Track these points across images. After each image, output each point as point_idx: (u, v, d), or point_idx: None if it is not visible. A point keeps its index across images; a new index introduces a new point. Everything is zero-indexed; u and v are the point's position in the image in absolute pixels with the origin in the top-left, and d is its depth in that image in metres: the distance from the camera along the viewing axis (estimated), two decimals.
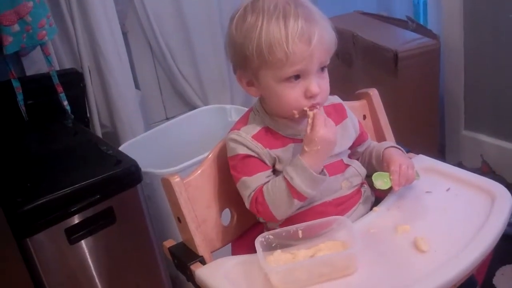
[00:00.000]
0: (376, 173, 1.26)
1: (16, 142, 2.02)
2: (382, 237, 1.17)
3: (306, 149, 1.14)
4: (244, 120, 1.28)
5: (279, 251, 1.14)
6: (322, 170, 1.16)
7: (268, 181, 1.20)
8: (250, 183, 1.21)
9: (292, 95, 1.17)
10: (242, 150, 1.21)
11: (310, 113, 1.15)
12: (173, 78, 2.91)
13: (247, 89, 1.24)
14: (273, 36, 1.11)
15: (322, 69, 1.19)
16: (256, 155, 1.21)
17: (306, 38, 1.12)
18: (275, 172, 1.23)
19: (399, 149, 1.33)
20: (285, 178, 1.16)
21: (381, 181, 1.24)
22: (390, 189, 1.24)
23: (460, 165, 2.63)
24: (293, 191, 1.15)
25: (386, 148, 1.32)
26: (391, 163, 1.25)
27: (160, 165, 1.93)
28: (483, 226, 1.15)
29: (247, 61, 1.17)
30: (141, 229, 1.80)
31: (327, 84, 1.21)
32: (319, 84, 1.17)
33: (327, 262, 1.09)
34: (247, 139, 1.22)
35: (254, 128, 1.24)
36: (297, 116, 1.19)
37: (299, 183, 1.14)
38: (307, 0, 1.18)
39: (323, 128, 1.14)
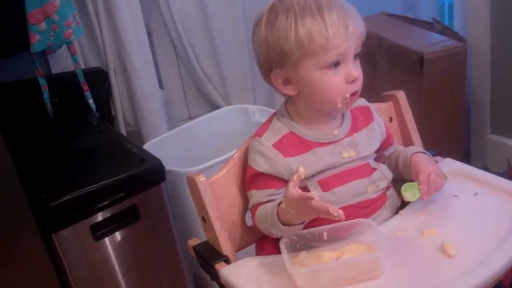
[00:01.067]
0: (404, 184, 1.24)
1: (42, 140, 2.04)
2: (408, 241, 1.16)
3: (283, 205, 1.13)
4: (267, 125, 1.28)
5: (304, 252, 1.13)
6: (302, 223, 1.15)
7: (267, 201, 1.23)
8: (253, 198, 1.25)
9: (335, 81, 1.17)
10: (257, 166, 1.23)
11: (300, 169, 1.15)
12: (197, 78, 2.92)
13: (283, 89, 1.23)
14: (311, 26, 1.12)
15: (355, 57, 1.19)
16: (271, 171, 1.22)
17: (343, 24, 1.13)
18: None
19: (426, 154, 1.31)
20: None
21: (410, 193, 1.22)
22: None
23: (485, 169, 2.58)
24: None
25: (413, 154, 1.30)
26: (420, 173, 1.23)
27: (183, 164, 1.94)
28: (511, 232, 1.13)
29: (285, 56, 1.16)
30: (164, 227, 1.81)
31: (360, 70, 1.21)
32: (357, 70, 1.18)
33: (353, 265, 1.08)
34: (268, 148, 1.22)
35: (276, 135, 1.24)
36: (339, 105, 1.19)
37: (269, 227, 1.19)
38: None
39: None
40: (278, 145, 1.23)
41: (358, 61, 1.20)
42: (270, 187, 1.23)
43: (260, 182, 1.23)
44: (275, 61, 1.20)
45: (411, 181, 1.26)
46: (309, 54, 1.14)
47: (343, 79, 1.17)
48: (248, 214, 1.33)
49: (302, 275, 1.07)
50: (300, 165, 1.20)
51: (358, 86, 1.19)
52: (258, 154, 1.24)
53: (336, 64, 1.16)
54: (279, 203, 1.15)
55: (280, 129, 1.25)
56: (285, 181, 1.23)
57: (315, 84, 1.18)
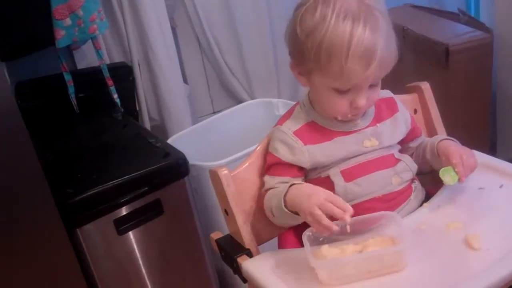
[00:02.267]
0: (441, 170, 1.22)
1: (67, 134, 2.06)
2: (433, 233, 1.15)
3: (300, 204, 1.12)
4: (288, 115, 1.29)
5: (326, 245, 1.12)
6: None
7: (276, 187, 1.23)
8: (267, 183, 1.25)
9: (338, 104, 1.17)
10: (277, 153, 1.24)
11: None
12: (221, 72, 2.92)
13: (298, 77, 1.23)
14: (335, 45, 1.08)
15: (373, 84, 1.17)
16: (290, 159, 1.22)
17: (366, 60, 1.09)
18: (318, 168, 1.23)
19: (453, 140, 1.30)
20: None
21: (448, 176, 1.20)
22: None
23: (511, 161, 2.56)
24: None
25: (440, 141, 1.29)
26: (451, 156, 1.21)
27: (207, 158, 1.94)
28: None
29: (303, 59, 1.16)
30: (188, 221, 1.82)
31: (377, 94, 1.21)
32: (368, 96, 1.16)
33: (376, 258, 1.07)
34: (288, 135, 1.23)
35: (297, 123, 1.25)
36: (339, 118, 1.21)
37: (274, 208, 1.20)
38: (380, 12, 1.13)
39: None
40: (299, 133, 1.23)
41: (377, 86, 1.19)
42: (285, 174, 1.23)
43: (277, 169, 1.24)
44: (296, 55, 1.20)
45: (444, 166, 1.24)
46: (322, 71, 1.13)
47: (348, 103, 1.17)
48: None
49: (325, 268, 1.07)
50: (321, 153, 1.21)
51: (362, 111, 1.20)
52: (278, 141, 1.24)
53: (347, 91, 1.15)
54: (291, 185, 1.16)
55: (302, 118, 1.25)
56: (302, 169, 1.23)
57: (321, 95, 1.20)
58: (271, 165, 1.25)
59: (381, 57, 1.10)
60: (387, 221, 1.15)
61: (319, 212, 1.06)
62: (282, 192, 1.16)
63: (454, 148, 1.24)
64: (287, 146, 1.23)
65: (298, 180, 1.23)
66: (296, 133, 1.23)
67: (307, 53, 1.13)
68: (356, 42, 1.07)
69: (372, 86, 1.17)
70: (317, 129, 1.24)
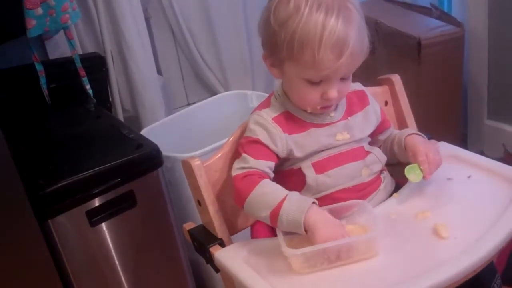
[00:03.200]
0: (407, 167, 1.24)
1: (39, 125, 2.03)
2: (402, 223, 1.17)
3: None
4: (266, 104, 1.29)
5: (299, 236, 1.13)
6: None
7: (266, 171, 1.20)
8: (250, 162, 1.20)
9: (310, 95, 1.18)
10: (255, 134, 1.22)
11: None
12: (195, 64, 2.92)
13: (270, 69, 1.24)
14: (307, 35, 1.09)
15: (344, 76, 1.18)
16: (268, 142, 1.21)
17: (338, 51, 1.10)
18: (291, 158, 1.23)
19: (420, 135, 1.32)
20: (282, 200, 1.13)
21: (413, 174, 1.22)
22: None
23: (482, 154, 2.59)
24: (277, 208, 1.12)
25: (408, 135, 1.31)
26: (417, 154, 1.23)
27: (181, 150, 1.94)
28: (504, 214, 1.14)
29: (276, 49, 1.16)
30: (161, 212, 1.81)
31: (348, 87, 1.22)
32: (339, 88, 1.18)
33: (347, 245, 1.08)
34: (267, 120, 1.22)
35: (275, 111, 1.25)
36: (309, 111, 1.22)
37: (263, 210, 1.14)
38: (353, 4, 1.14)
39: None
40: (277, 120, 1.23)
41: (348, 79, 1.20)
42: (266, 158, 1.21)
43: (255, 150, 1.21)
44: (268, 46, 1.20)
45: (409, 163, 1.26)
46: (294, 60, 1.14)
47: (319, 95, 1.17)
48: None
49: (298, 256, 1.08)
50: (295, 144, 1.21)
51: (332, 103, 1.21)
52: (257, 124, 1.23)
53: (319, 82, 1.16)
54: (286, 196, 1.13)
55: (279, 107, 1.26)
56: (277, 157, 1.22)
57: (292, 86, 1.21)
58: (249, 143, 1.22)
59: (352, 49, 1.11)
60: (359, 210, 1.17)
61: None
62: (302, 213, 1.10)
63: (421, 145, 1.26)
64: (266, 131, 1.22)
65: (272, 166, 1.22)
66: (275, 119, 1.23)
67: (280, 43, 1.14)
68: (328, 33, 1.09)
69: (343, 79, 1.18)
70: (293, 119, 1.24)
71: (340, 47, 1.10)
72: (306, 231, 1.09)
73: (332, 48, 1.09)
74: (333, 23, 1.09)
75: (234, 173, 1.21)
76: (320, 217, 1.09)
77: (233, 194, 1.22)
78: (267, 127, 1.22)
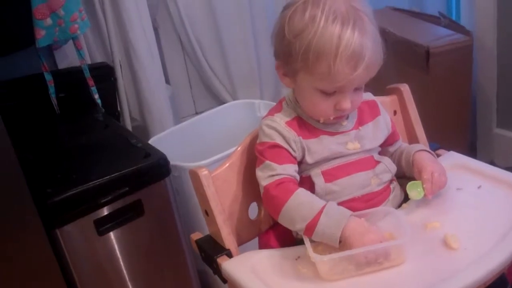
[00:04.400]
0: (409, 183, 1.24)
1: (48, 134, 2.04)
2: (412, 233, 1.15)
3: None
4: (277, 109, 1.28)
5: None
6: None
7: (294, 176, 1.19)
8: (277, 168, 1.18)
9: (323, 106, 1.18)
10: (271, 139, 1.21)
11: None
12: (203, 73, 2.92)
13: (282, 78, 1.23)
14: (323, 46, 1.09)
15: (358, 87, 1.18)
16: (286, 146, 1.20)
17: (354, 63, 1.09)
18: (302, 164, 1.22)
19: (430, 152, 1.31)
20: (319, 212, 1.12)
21: (415, 191, 1.22)
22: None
23: (492, 163, 2.57)
24: (314, 220, 1.11)
25: (416, 151, 1.30)
26: (423, 171, 1.23)
27: (188, 159, 1.94)
28: None
29: (290, 59, 1.16)
30: (169, 222, 1.81)
31: (361, 97, 1.22)
32: (352, 99, 1.17)
33: (377, 251, 1.06)
34: (281, 125, 1.21)
35: (287, 116, 1.24)
36: (321, 121, 1.22)
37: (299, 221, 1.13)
38: (368, 15, 1.14)
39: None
40: (291, 124, 1.22)
41: (361, 90, 1.20)
42: (290, 161, 1.19)
43: (278, 155, 1.20)
44: (282, 56, 1.20)
45: (413, 178, 1.26)
46: (309, 71, 1.13)
47: (332, 106, 1.17)
48: (253, 206, 1.33)
49: (325, 262, 1.07)
50: (309, 149, 1.21)
51: (345, 113, 1.21)
52: (271, 129, 1.22)
53: (332, 93, 1.15)
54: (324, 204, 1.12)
55: (290, 113, 1.25)
56: (295, 160, 1.21)
57: (305, 96, 1.20)
58: (269, 148, 1.20)
59: (368, 61, 1.11)
60: (387, 216, 1.16)
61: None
62: (339, 228, 1.08)
63: (428, 163, 1.25)
64: (281, 135, 1.21)
65: (297, 169, 1.21)
66: (288, 123, 1.22)
67: (294, 53, 1.13)
68: (344, 45, 1.08)
69: (356, 89, 1.17)
70: (305, 124, 1.23)
71: (356, 59, 1.09)
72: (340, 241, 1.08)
73: (348, 60, 1.09)
74: (349, 35, 1.09)
75: (264, 182, 1.19)
76: (355, 229, 1.08)
77: (266, 204, 1.21)
78: (281, 131, 1.21)
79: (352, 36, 1.09)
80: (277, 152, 1.20)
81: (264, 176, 1.19)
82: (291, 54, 1.14)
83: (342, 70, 1.10)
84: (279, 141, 1.20)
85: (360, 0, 1.15)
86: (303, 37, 1.11)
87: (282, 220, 1.17)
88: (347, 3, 1.12)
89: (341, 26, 1.09)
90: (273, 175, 1.18)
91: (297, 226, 1.13)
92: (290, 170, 1.19)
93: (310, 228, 1.10)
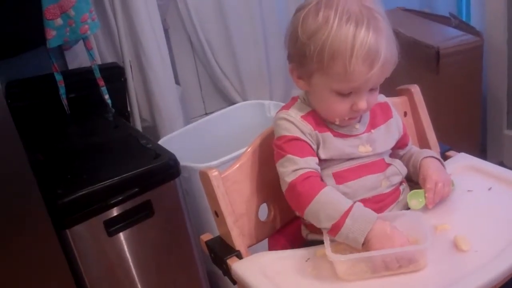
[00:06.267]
0: (411, 192, 1.24)
1: (58, 135, 2.05)
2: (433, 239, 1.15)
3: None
4: (292, 104, 1.27)
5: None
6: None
7: (317, 169, 1.18)
8: (299, 162, 1.16)
9: (339, 107, 1.17)
10: (290, 132, 1.20)
11: None
12: (213, 74, 2.93)
13: (296, 81, 1.23)
14: (338, 46, 1.08)
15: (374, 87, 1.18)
16: (305, 138, 1.19)
17: (369, 62, 1.09)
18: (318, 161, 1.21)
19: (438, 159, 1.30)
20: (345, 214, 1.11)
21: (415, 201, 1.22)
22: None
23: (501, 164, 2.55)
24: (339, 221, 1.10)
25: (424, 158, 1.30)
26: (427, 180, 1.23)
27: (198, 159, 1.94)
28: None
29: (305, 61, 1.15)
30: (178, 222, 1.81)
31: (376, 97, 1.21)
32: (368, 99, 1.17)
33: (394, 255, 1.06)
34: (296, 118, 1.21)
35: (302, 110, 1.23)
36: (337, 122, 1.21)
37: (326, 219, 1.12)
38: (381, 14, 1.14)
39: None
40: (306, 118, 1.21)
41: (376, 90, 1.19)
42: (311, 154, 1.18)
43: (298, 148, 1.18)
44: (296, 58, 1.19)
45: (418, 185, 1.26)
46: (325, 72, 1.13)
47: (349, 106, 1.17)
48: (263, 207, 1.32)
49: (343, 263, 1.07)
50: (324, 143, 1.20)
51: (360, 114, 1.21)
52: (288, 122, 1.21)
53: (348, 94, 1.15)
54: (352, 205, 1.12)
55: (305, 107, 1.24)
56: (315, 153, 1.20)
57: (321, 98, 1.19)
58: (289, 141, 1.19)
59: (384, 59, 1.10)
60: (408, 220, 1.15)
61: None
62: (364, 232, 1.08)
63: (434, 172, 1.24)
64: (297, 127, 1.20)
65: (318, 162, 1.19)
66: (303, 117, 1.21)
67: (309, 55, 1.13)
68: (360, 44, 1.08)
69: (371, 89, 1.17)
70: (320, 119, 1.22)
71: (372, 58, 1.09)
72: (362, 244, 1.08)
73: (364, 59, 1.09)
74: (364, 34, 1.08)
75: (289, 178, 1.17)
76: (379, 234, 1.07)
77: (290, 200, 1.19)
78: (298, 125, 1.20)
79: (367, 35, 1.08)
80: (297, 144, 1.19)
81: (288, 172, 1.17)
82: (306, 55, 1.14)
83: (358, 69, 1.09)
84: (298, 133, 1.19)
85: (372, 0, 1.15)
86: (317, 38, 1.11)
87: (308, 217, 1.17)
88: (360, 3, 1.12)
89: (355, 26, 1.08)
90: (296, 170, 1.16)
91: (322, 225, 1.13)
92: (312, 163, 1.18)
93: (335, 229, 1.10)
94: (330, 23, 1.09)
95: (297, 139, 1.19)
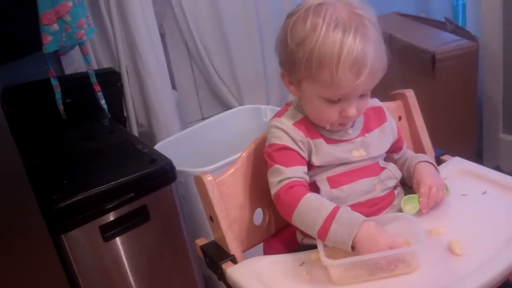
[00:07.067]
0: (405, 197, 1.25)
1: (54, 140, 2.05)
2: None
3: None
4: (284, 111, 1.27)
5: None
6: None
7: (303, 177, 1.19)
8: (285, 172, 1.18)
9: (329, 113, 1.18)
10: (281, 140, 1.20)
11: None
12: (209, 79, 2.93)
13: (287, 86, 1.23)
14: (325, 54, 1.09)
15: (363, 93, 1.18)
16: (295, 147, 1.20)
17: (356, 69, 1.09)
18: (311, 167, 1.21)
19: (432, 164, 1.31)
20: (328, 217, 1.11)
21: (410, 206, 1.23)
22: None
23: (497, 169, 2.55)
24: (324, 227, 1.10)
25: (419, 162, 1.30)
26: (421, 185, 1.23)
27: (195, 164, 1.94)
28: None
29: (294, 67, 1.16)
30: (174, 227, 1.81)
31: (366, 103, 1.21)
32: (358, 105, 1.17)
33: (387, 258, 1.06)
34: (288, 126, 1.21)
35: (295, 118, 1.24)
36: (327, 128, 1.21)
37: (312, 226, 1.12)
38: (371, 22, 1.14)
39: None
40: (298, 125, 1.22)
41: (366, 96, 1.19)
42: (298, 163, 1.19)
43: (286, 157, 1.19)
44: (286, 64, 1.20)
45: (412, 189, 1.27)
46: (313, 80, 1.13)
47: (338, 112, 1.17)
48: (258, 212, 1.33)
49: (337, 267, 1.07)
50: (316, 149, 1.20)
51: (351, 120, 1.21)
52: (280, 130, 1.22)
53: (337, 100, 1.15)
54: (335, 208, 1.12)
55: (298, 115, 1.24)
56: (305, 161, 1.21)
57: (311, 104, 1.20)
58: (278, 150, 1.20)
59: (371, 67, 1.10)
60: (401, 222, 1.15)
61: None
62: (351, 235, 1.08)
63: (428, 177, 1.25)
64: (288, 135, 1.20)
65: (306, 171, 1.20)
66: (295, 124, 1.22)
67: (298, 62, 1.13)
68: (346, 52, 1.08)
69: (361, 96, 1.17)
70: (312, 126, 1.23)
71: (359, 66, 1.09)
72: (353, 247, 1.08)
73: (351, 67, 1.09)
74: (351, 42, 1.08)
75: (274, 189, 1.19)
76: (366, 236, 1.08)
77: (278, 209, 1.20)
78: (289, 133, 1.21)
79: (354, 43, 1.09)
80: (285, 154, 1.20)
81: (274, 182, 1.19)
82: (295, 62, 1.14)
83: (345, 77, 1.10)
84: (288, 142, 1.20)
85: (363, 6, 1.15)
86: (305, 45, 1.11)
87: (296, 225, 1.18)
88: (349, 10, 1.13)
89: (343, 33, 1.09)
90: (282, 180, 1.18)
91: (309, 231, 1.14)
92: (299, 172, 1.19)
93: (322, 234, 1.10)
94: (318, 30, 1.10)
95: (286, 148, 1.20)
